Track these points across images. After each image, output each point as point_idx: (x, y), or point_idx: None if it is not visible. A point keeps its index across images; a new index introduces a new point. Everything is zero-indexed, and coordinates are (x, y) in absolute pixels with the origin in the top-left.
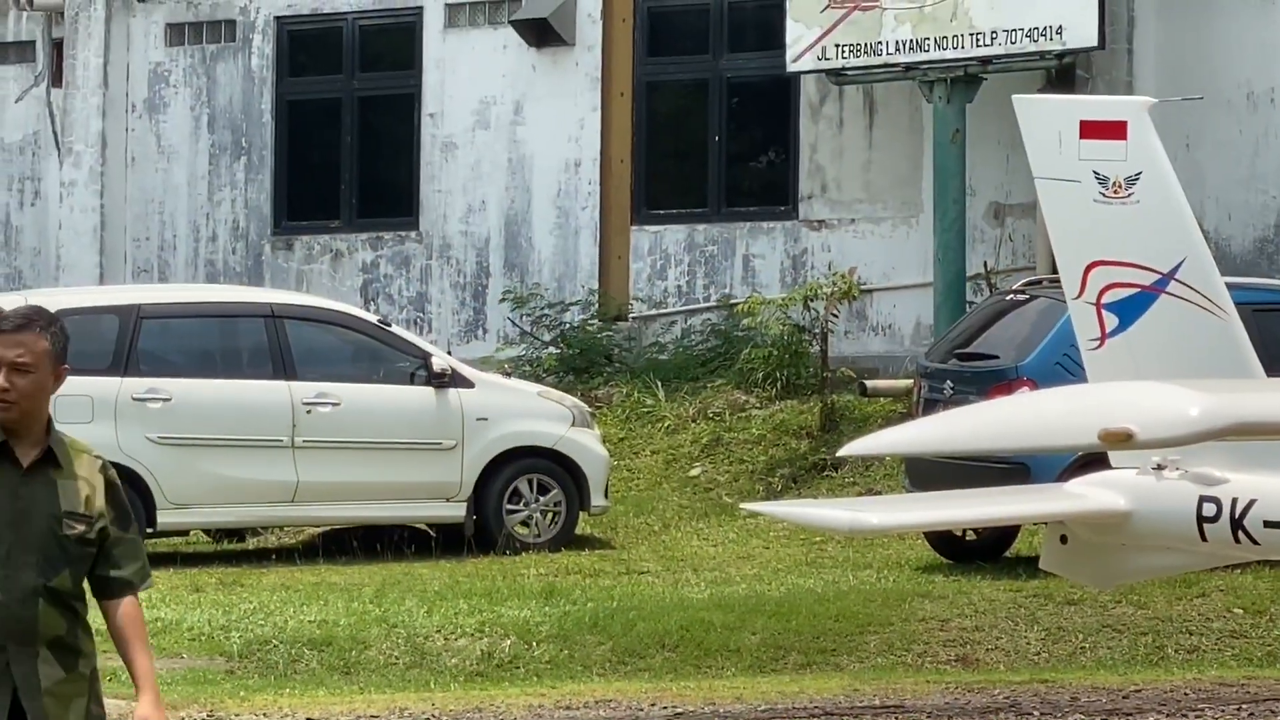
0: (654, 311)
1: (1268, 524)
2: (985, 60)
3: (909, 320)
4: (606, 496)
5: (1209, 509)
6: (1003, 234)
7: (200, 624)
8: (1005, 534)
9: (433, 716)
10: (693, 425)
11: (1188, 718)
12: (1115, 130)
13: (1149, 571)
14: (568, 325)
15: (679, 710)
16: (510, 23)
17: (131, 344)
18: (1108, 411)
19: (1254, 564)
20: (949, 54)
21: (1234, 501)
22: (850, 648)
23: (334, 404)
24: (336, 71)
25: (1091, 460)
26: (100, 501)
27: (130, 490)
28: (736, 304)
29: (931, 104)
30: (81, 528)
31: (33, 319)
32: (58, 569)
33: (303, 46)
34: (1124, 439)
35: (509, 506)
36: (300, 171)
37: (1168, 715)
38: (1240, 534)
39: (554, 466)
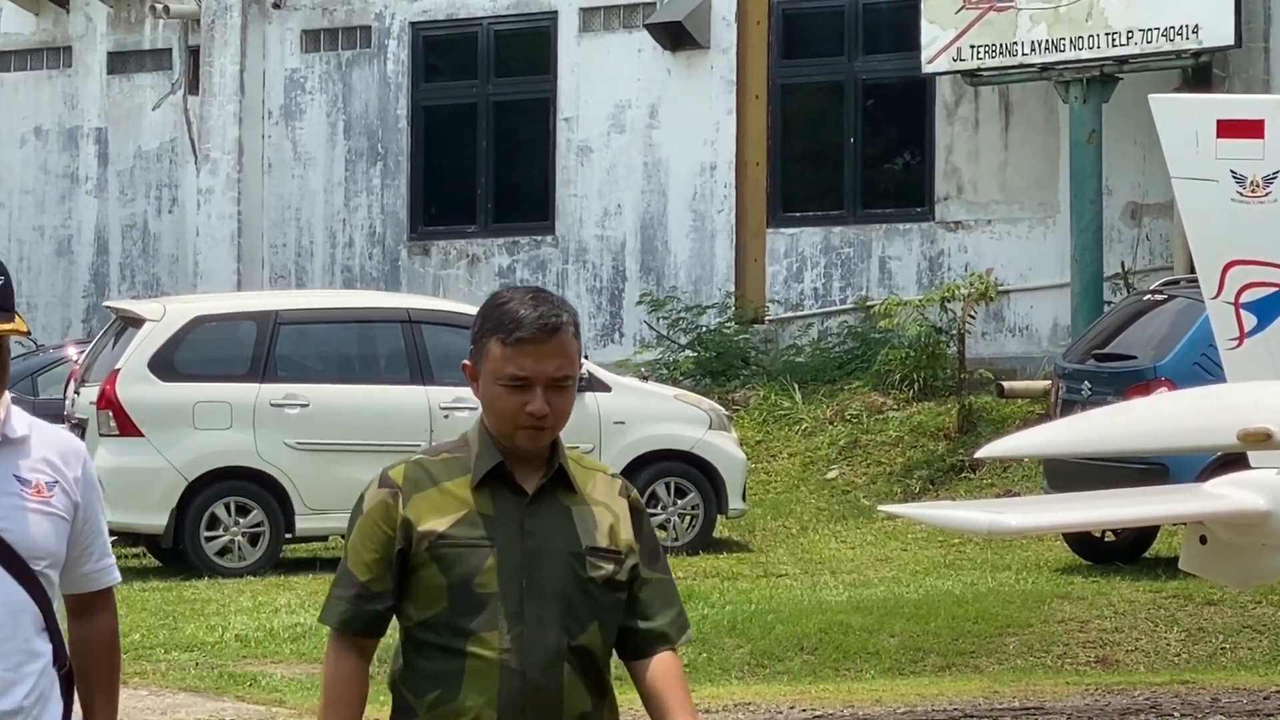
0: (790, 314)
1: None
2: (1121, 60)
3: (1046, 321)
4: (744, 499)
5: None
6: (1140, 234)
7: None
8: (1144, 535)
9: None
10: (830, 427)
11: None
12: (1253, 129)
13: None
14: (704, 328)
15: (818, 713)
16: (645, 26)
17: (269, 350)
18: (1246, 411)
19: None
20: (1084, 54)
21: None
22: (989, 649)
23: (471, 409)
24: (472, 76)
25: (1231, 460)
26: (626, 533)
27: (269, 496)
28: (873, 306)
29: (1067, 104)
30: (609, 567)
31: (563, 318)
32: (583, 623)
33: (438, 52)
34: (1263, 439)
35: (647, 510)
36: (436, 176)
37: None
38: None
39: (691, 470)
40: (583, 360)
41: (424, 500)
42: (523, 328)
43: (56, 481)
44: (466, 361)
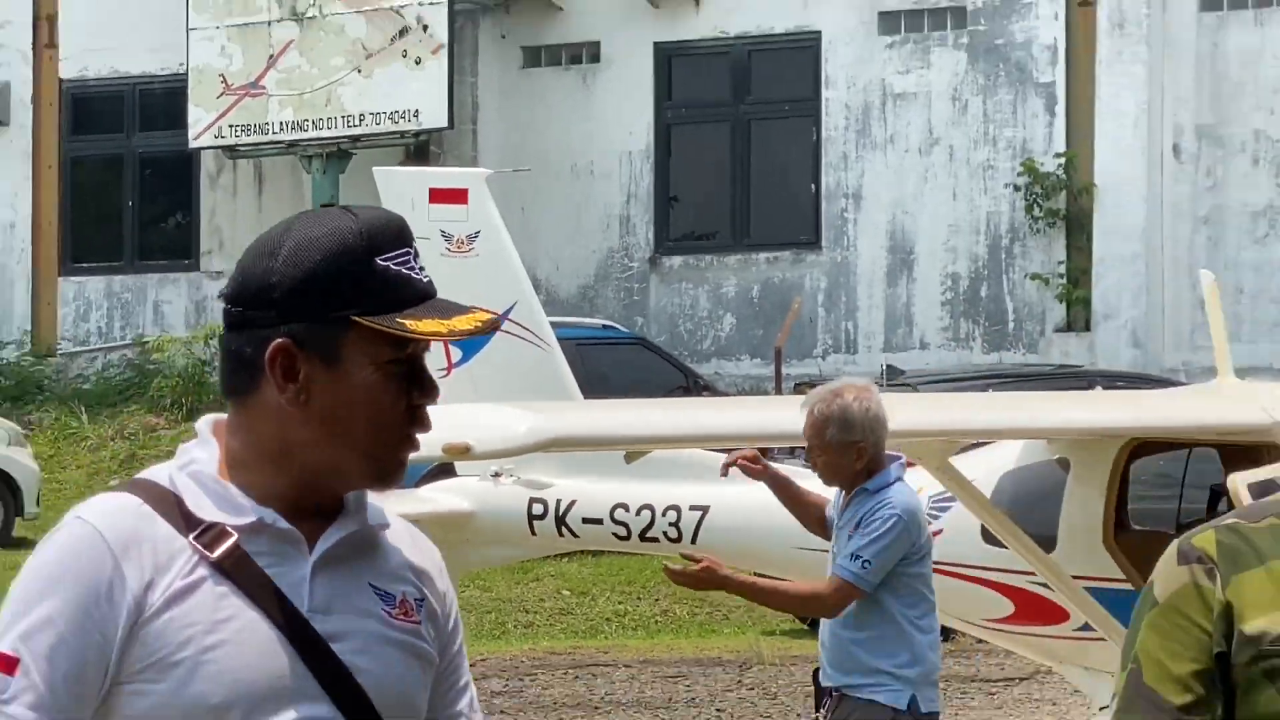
0: (79, 349)
1: (585, 520)
2: (355, 138)
3: None
4: (38, 504)
5: (538, 509)
6: None
7: None
8: None
9: None
10: (112, 444)
11: (524, 681)
12: (458, 196)
13: (492, 561)
14: (4, 360)
15: None
16: None
17: None
18: (451, 429)
19: (578, 553)
20: (324, 133)
21: (558, 502)
22: None
23: None
24: None
25: (446, 469)
26: None
27: None
28: (148, 342)
29: (311, 175)
30: None
31: None
32: None
33: None
34: (463, 452)
35: None
36: None
37: (508, 679)
38: (563, 529)
39: None
40: None
41: (1250, 584)
42: None
43: (424, 599)
44: None
